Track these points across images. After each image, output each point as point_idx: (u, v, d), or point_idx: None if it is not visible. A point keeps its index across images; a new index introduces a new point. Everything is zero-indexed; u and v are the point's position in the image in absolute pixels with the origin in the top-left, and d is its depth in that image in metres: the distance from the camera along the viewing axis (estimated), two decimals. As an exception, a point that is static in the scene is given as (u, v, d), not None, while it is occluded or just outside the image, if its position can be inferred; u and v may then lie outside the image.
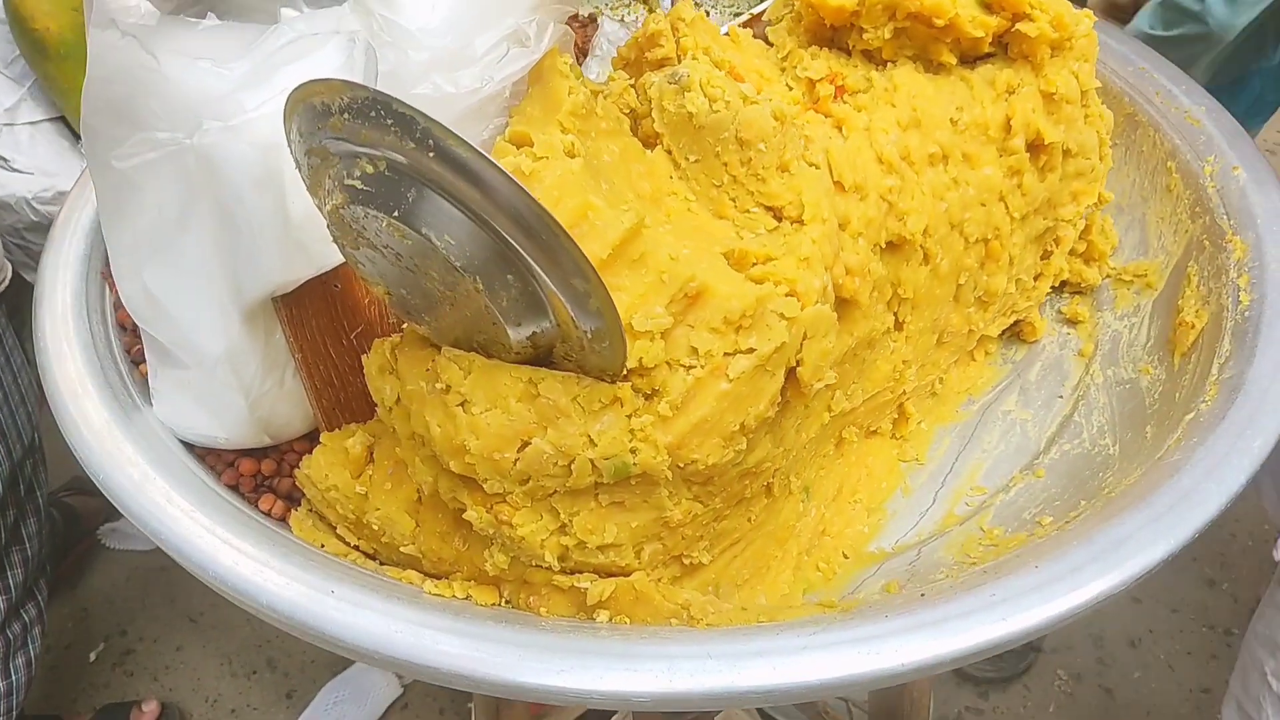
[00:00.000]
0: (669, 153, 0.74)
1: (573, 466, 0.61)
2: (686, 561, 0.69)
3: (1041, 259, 0.91)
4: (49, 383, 0.77)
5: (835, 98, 0.80)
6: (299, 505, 0.76)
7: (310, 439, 0.79)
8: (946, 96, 0.80)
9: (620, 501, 0.64)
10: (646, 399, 0.62)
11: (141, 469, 0.72)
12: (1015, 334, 0.94)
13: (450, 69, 0.64)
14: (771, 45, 0.85)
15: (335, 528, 0.74)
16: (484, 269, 0.55)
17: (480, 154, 0.51)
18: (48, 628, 1.44)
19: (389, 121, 0.52)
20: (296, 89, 0.55)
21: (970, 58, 0.82)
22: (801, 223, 0.70)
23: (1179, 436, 0.74)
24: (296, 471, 0.75)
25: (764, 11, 0.92)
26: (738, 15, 1.09)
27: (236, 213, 0.65)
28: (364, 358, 0.69)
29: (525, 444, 0.61)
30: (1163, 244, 0.94)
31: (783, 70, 0.83)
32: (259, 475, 0.78)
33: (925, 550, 0.78)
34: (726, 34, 0.82)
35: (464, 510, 0.64)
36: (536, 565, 0.65)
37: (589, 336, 0.58)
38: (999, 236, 0.82)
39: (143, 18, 0.64)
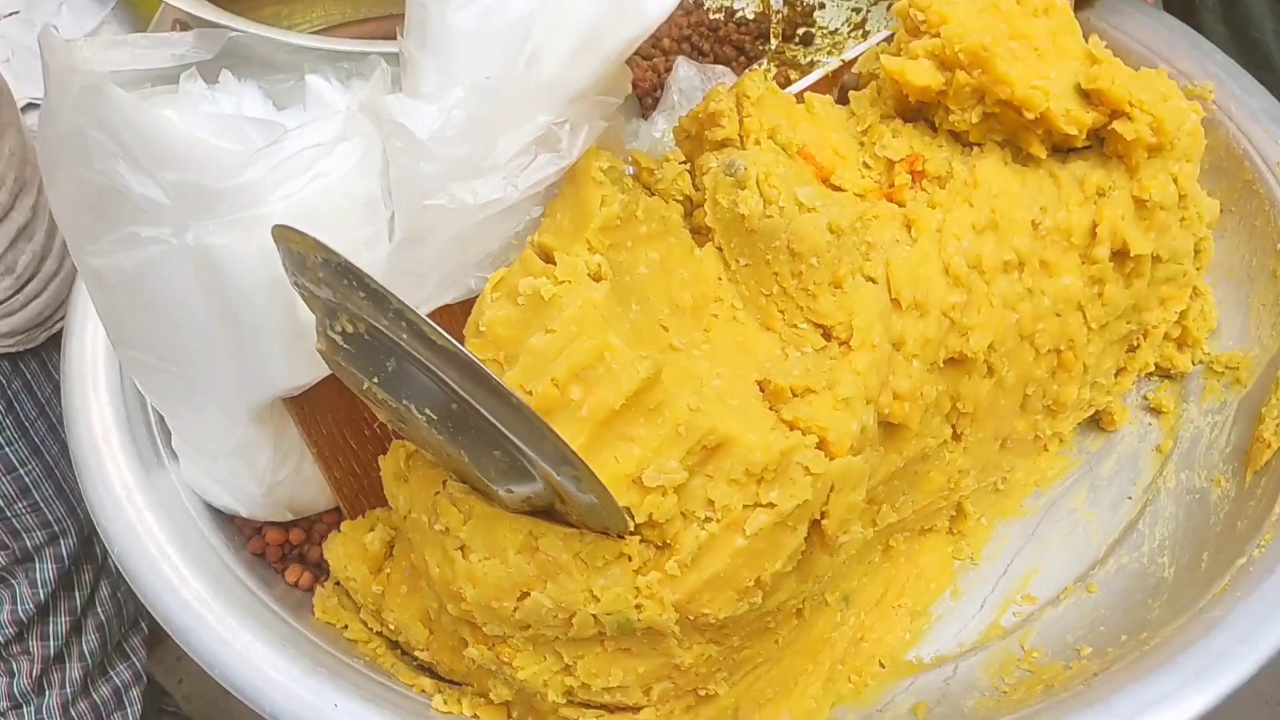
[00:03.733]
0: (720, 249, 0.69)
1: (573, 620, 0.58)
2: (702, 693, 0.66)
3: (1126, 353, 0.84)
4: (72, 434, 0.77)
5: (913, 184, 0.74)
6: (327, 576, 0.75)
7: (339, 511, 0.77)
8: (1031, 195, 0.73)
9: (627, 649, 0.61)
10: (657, 550, 0.59)
11: (159, 544, 0.72)
12: (1093, 421, 0.88)
13: (469, 178, 0.60)
14: (853, 114, 0.78)
15: (360, 609, 0.73)
16: (468, 445, 0.53)
17: (454, 343, 0.48)
18: (150, 687, 1.38)
19: (361, 295, 0.49)
20: (277, 226, 0.52)
21: (1064, 148, 0.75)
22: (850, 347, 0.65)
23: (1226, 584, 0.70)
24: (324, 545, 0.74)
25: (855, 59, 0.84)
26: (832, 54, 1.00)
27: (242, 318, 0.62)
28: (380, 459, 0.67)
29: (524, 595, 0.58)
30: (1259, 336, 0.86)
31: (861, 145, 0.76)
32: (286, 544, 0.78)
33: (962, 667, 0.75)
34: (801, 101, 0.76)
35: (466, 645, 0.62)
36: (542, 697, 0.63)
37: (584, 508, 0.55)
38: (1073, 347, 0.75)
39: (119, 72, 0.60)
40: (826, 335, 0.66)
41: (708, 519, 0.58)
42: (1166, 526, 0.81)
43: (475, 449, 0.53)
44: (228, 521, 0.76)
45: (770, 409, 0.63)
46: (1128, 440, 0.88)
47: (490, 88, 0.59)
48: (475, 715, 0.66)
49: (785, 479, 0.59)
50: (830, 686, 0.73)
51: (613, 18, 0.60)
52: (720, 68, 0.93)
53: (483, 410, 0.51)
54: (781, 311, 0.67)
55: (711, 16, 1.21)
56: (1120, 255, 0.74)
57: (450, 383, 0.50)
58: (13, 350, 1.04)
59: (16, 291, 1.03)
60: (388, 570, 0.70)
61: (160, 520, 0.73)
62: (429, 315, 0.67)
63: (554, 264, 0.61)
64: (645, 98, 0.97)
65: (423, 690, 0.68)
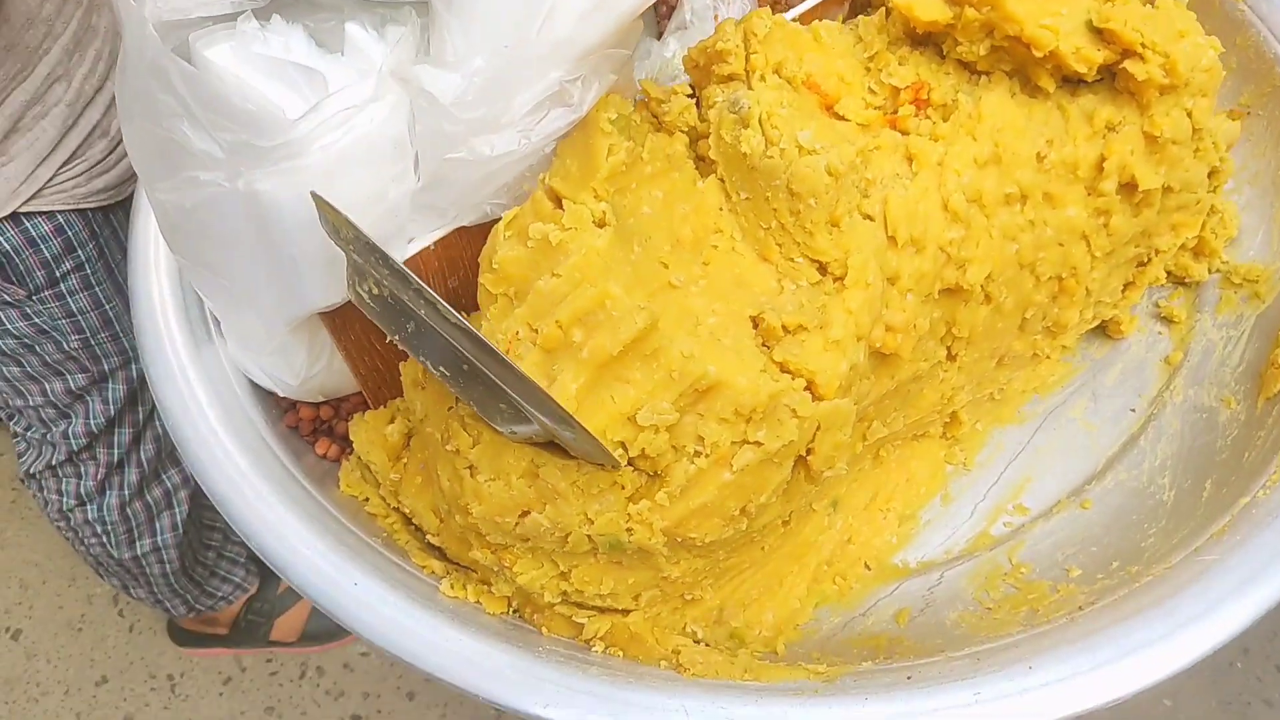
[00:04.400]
0: (722, 181, 0.72)
1: (569, 538, 0.65)
2: (688, 598, 0.73)
3: (1136, 267, 0.85)
4: (135, 310, 0.83)
5: (918, 112, 0.75)
6: (352, 450, 0.81)
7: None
8: (1037, 128, 0.74)
9: (618, 562, 0.67)
10: (649, 480, 0.64)
11: (207, 421, 0.78)
12: (1099, 328, 0.89)
13: (486, 133, 0.63)
14: (860, 39, 0.78)
15: (380, 486, 0.80)
16: (477, 396, 0.58)
17: (465, 323, 0.53)
18: (195, 490, 1.56)
19: (385, 270, 0.54)
20: (314, 195, 0.57)
21: (1074, 79, 0.75)
22: (844, 284, 0.68)
23: (1226, 524, 0.71)
24: (350, 426, 0.81)
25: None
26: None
27: (283, 250, 0.67)
28: (402, 365, 0.73)
29: (525, 513, 0.65)
30: (1283, 250, 0.86)
31: (867, 70, 0.77)
32: (317, 419, 0.85)
33: (948, 575, 0.79)
34: (808, 26, 0.77)
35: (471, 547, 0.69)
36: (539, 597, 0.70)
37: (579, 450, 0.60)
38: (1075, 274, 0.77)
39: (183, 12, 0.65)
40: (822, 270, 0.69)
41: (698, 453, 0.64)
42: (1170, 445, 0.82)
43: (484, 400, 0.59)
44: (266, 396, 0.83)
45: (763, 346, 0.67)
46: (1135, 349, 0.89)
47: (508, 54, 0.62)
48: (479, 602, 0.72)
49: (773, 420, 0.64)
50: (815, 587, 0.78)
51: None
52: None
53: (491, 374, 0.56)
54: (779, 245, 0.70)
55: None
56: (1128, 188, 0.75)
57: (463, 349, 0.56)
58: (104, 204, 1.22)
59: (110, 152, 1.20)
60: (404, 460, 0.76)
61: (209, 396, 0.80)
62: (447, 236, 0.72)
63: (562, 208, 0.66)
64: (661, 4, 0.97)
65: (432, 572, 0.74)
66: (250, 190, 0.64)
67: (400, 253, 0.72)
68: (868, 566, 0.81)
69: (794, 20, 0.83)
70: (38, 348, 1.37)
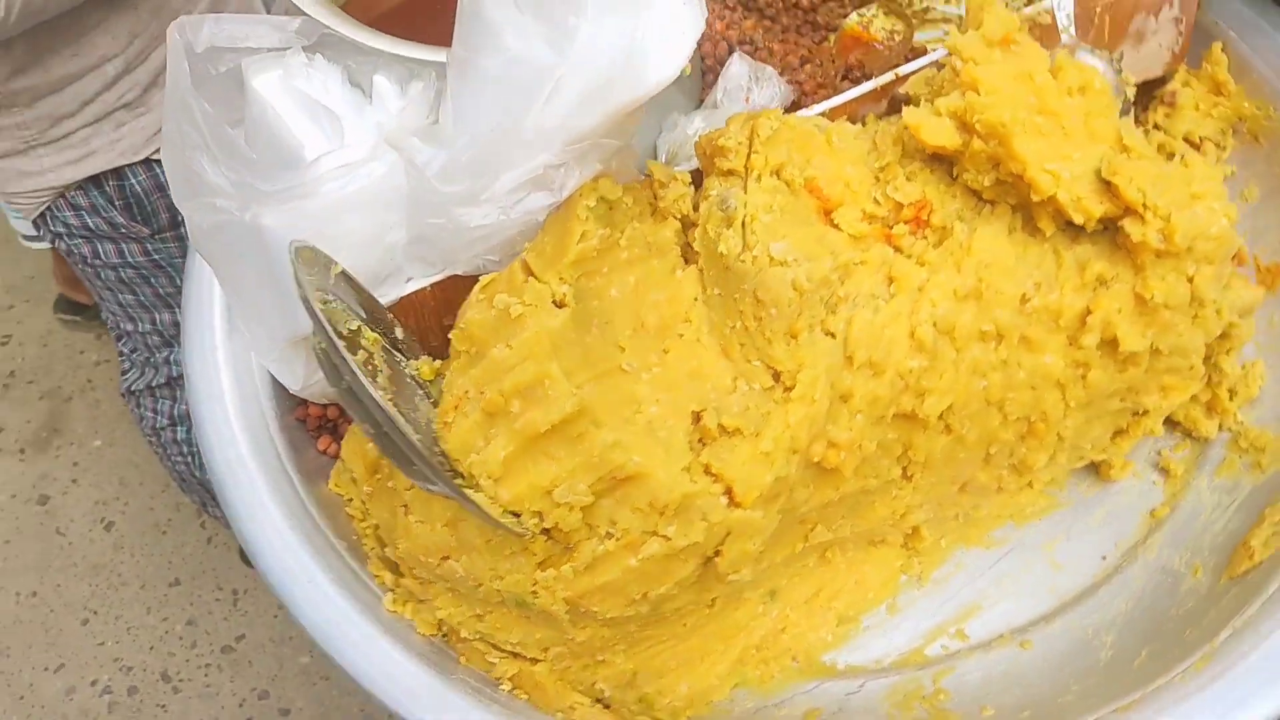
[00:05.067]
0: (701, 272, 0.74)
1: (480, 588, 0.69)
2: (599, 658, 0.76)
3: (1132, 416, 0.84)
4: (188, 286, 0.91)
5: (915, 230, 0.76)
6: None
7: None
8: (1027, 269, 0.74)
9: (526, 617, 0.72)
10: (561, 550, 0.68)
11: (223, 404, 0.85)
12: (1093, 466, 0.88)
13: (468, 205, 0.68)
14: (875, 147, 0.79)
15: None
16: (395, 458, 0.63)
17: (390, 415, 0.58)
18: None
19: (322, 336, 0.59)
20: (292, 249, 0.63)
21: (1076, 226, 0.74)
22: (790, 396, 0.70)
23: (1135, 700, 0.71)
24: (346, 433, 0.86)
25: (909, 76, 0.84)
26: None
27: (281, 279, 0.73)
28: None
29: (446, 557, 0.69)
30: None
31: (876, 180, 0.78)
32: (323, 417, 0.91)
33: (870, 685, 0.80)
34: (823, 127, 0.78)
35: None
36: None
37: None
38: (1046, 419, 0.77)
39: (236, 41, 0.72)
40: (776, 377, 0.71)
41: (609, 535, 0.67)
42: (1127, 602, 0.81)
43: (399, 460, 0.64)
44: (282, 388, 0.88)
45: (698, 443, 0.69)
46: (1125, 495, 0.86)
47: (497, 136, 0.66)
48: (413, 622, 0.77)
49: (684, 519, 0.67)
50: (738, 669, 0.80)
51: (618, 80, 0.65)
52: (768, 69, 0.93)
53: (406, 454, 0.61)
54: (741, 345, 0.72)
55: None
56: (1111, 344, 0.74)
57: (380, 420, 0.61)
58: None
59: None
60: (379, 475, 0.82)
61: (231, 379, 0.86)
62: (439, 283, 0.77)
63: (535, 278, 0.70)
64: (709, 72, 0.99)
65: (383, 583, 0.79)
66: (256, 223, 0.70)
67: (398, 290, 0.77)
68: (796, 659, 0.82)
69: (824, 114, 0.84)
70: (152, 280, 1.50)
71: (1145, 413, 0.83)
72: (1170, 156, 0.77)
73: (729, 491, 0.67)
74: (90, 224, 1.41)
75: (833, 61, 1.10)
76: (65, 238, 1.44)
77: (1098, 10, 0.95)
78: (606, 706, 0.77)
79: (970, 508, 0.85)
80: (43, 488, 2.17)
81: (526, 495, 0.66)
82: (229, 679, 1.92)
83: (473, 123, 0.66)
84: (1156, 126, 1.01)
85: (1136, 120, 1.02)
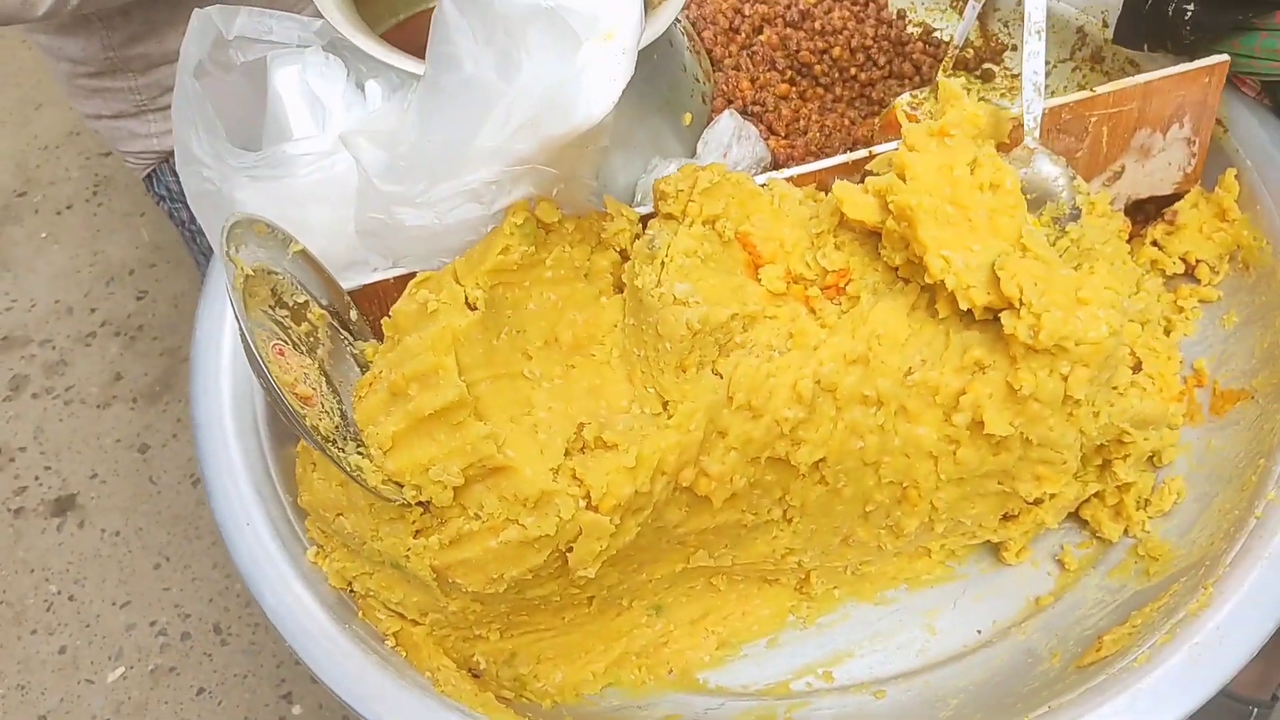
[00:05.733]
0: (625, 301, 0.82)
1: (365, 547, 0.78)
2: (476, 633, 0.84)
3: (1027, 504, 0.87)
4: (208, 274, 1.03)
5: (833, 296, 0.82)
6: None
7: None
8: (916, 345, 0.79)
9: (406, 580, 0.80)
10: (437, 523, 0.76)
11: (220, 409, 0.91)
12: (996, 547, 0.92)
13: (406, 206, 0.77)
14: (816, 216, 0.85)
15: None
16: (284, 417, 0.72)
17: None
18: None
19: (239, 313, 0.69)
20: (228, 229, 0.73)
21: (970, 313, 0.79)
22: (668, 424, 0.77)
23: None
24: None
25: (879, 156, 0.89)
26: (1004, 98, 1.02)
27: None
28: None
29: (339, 514, 0.78)
30: (1197, 538, 0.85)
31: (811, 245, 0.84)
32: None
33: (729, 705, 0.86)
34: (767, 186, 0.85)
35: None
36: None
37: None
38: (918, 487, 0.81)
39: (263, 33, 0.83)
40: (664, 405, 0.78)
41: (475, 516, 0.75)
42: (983, 674, 0.84)
43: (287, 421, 0.73)
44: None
45: (579, 451, 0.77)
46: (1018, 579, 0.90)
47: (443, 148, 0.75)
48: (327, 575, 0.85)
49: (542, 513, 0.74)
50: (614, 669, 0.87)
51: (550, 112, 0.73)
52: (751, 129, 0.99)
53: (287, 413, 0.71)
54: (641, 372, 0.80)
55: (908, 30, 1.24)
56: (980, 425, 0.78)
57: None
58: None
59: None
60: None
61: (229, 386, 0.94)
62: (401, 277, 0.86)
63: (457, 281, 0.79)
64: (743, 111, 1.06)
65: (313, 538, 0.86)
66: (230, 195, 0.81)
67: (363, 277, 0.86)
68: (672, 671, 0.89)
69: (794, 179, 0.91)
70: None
71: (1038, 502, 0.87)
72: (1086, 268, 0.81)
73: (588, 497, 0.74)
74: None
75: (869, 141, 1.15)
76: (168, 200, 1.57)
77: (1093, 119, 0.99)
78: (476, 676, 0.84)
79: (858, 562, 0.90)
80: (145, 437, 2.34)
81: (408, 469, 0.74)
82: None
83: (426, 133, 0.75)
84: (1155, 243, 1.04)
85: (1133, 236, 1.05)
